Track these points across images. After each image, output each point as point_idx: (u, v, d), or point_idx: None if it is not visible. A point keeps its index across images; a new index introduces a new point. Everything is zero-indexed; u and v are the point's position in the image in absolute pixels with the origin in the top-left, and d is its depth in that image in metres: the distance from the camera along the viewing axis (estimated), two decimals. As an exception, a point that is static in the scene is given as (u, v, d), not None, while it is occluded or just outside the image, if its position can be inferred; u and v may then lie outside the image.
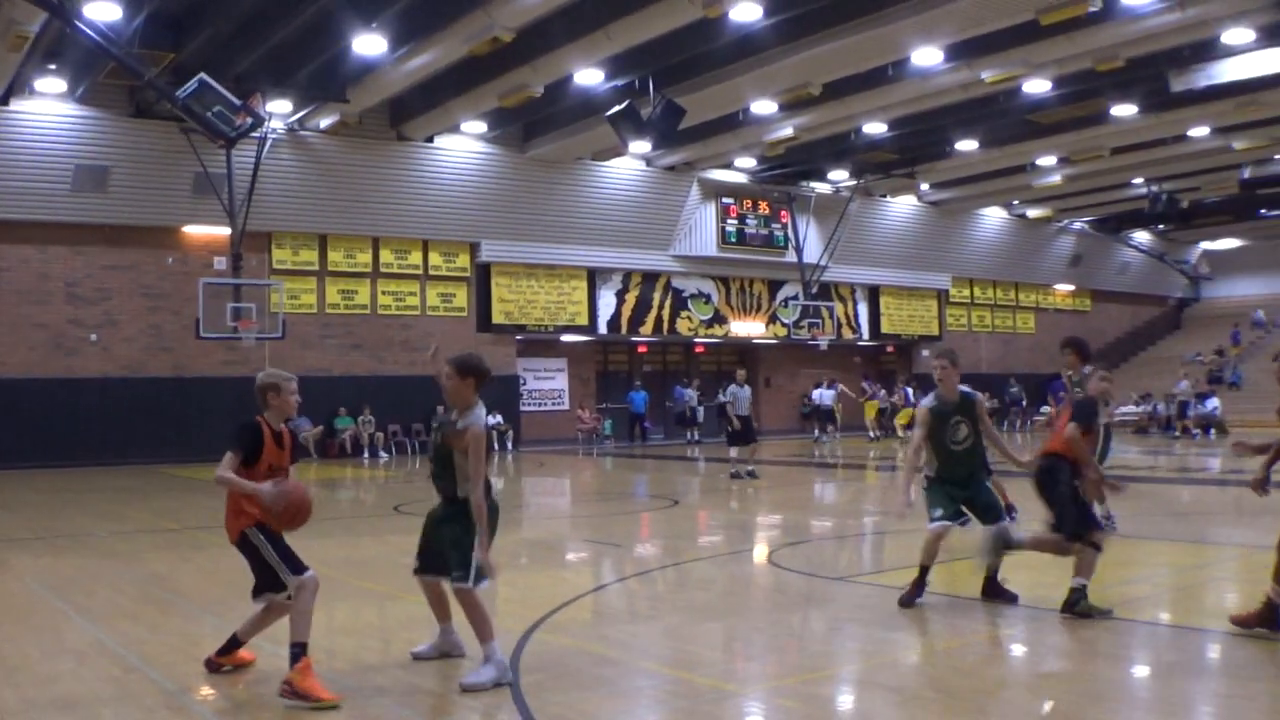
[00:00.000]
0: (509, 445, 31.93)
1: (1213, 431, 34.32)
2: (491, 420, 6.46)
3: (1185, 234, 50.10)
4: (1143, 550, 11.07)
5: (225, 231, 26.85)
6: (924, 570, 8.02)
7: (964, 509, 8.07)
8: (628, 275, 35.61)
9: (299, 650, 5.80)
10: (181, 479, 22.61)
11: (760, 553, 11.56)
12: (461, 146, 30.84)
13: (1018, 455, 8.71)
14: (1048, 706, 5.78)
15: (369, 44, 21.98)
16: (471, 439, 6.14)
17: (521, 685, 6.01)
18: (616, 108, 24.10)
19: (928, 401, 8.29)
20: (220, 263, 28.09)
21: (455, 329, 32.08)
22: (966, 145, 32.56)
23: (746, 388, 20.71)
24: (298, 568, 6.03)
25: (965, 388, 8.27)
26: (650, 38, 21.92)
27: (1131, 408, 38.67)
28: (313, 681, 5.71)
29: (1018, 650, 7.09)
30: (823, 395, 36.73)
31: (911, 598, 7.98)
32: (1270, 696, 5.82)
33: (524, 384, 34.59)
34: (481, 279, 32.87)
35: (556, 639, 7.22)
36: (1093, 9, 20.36)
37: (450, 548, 6.17)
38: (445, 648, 6.63)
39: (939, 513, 8.00)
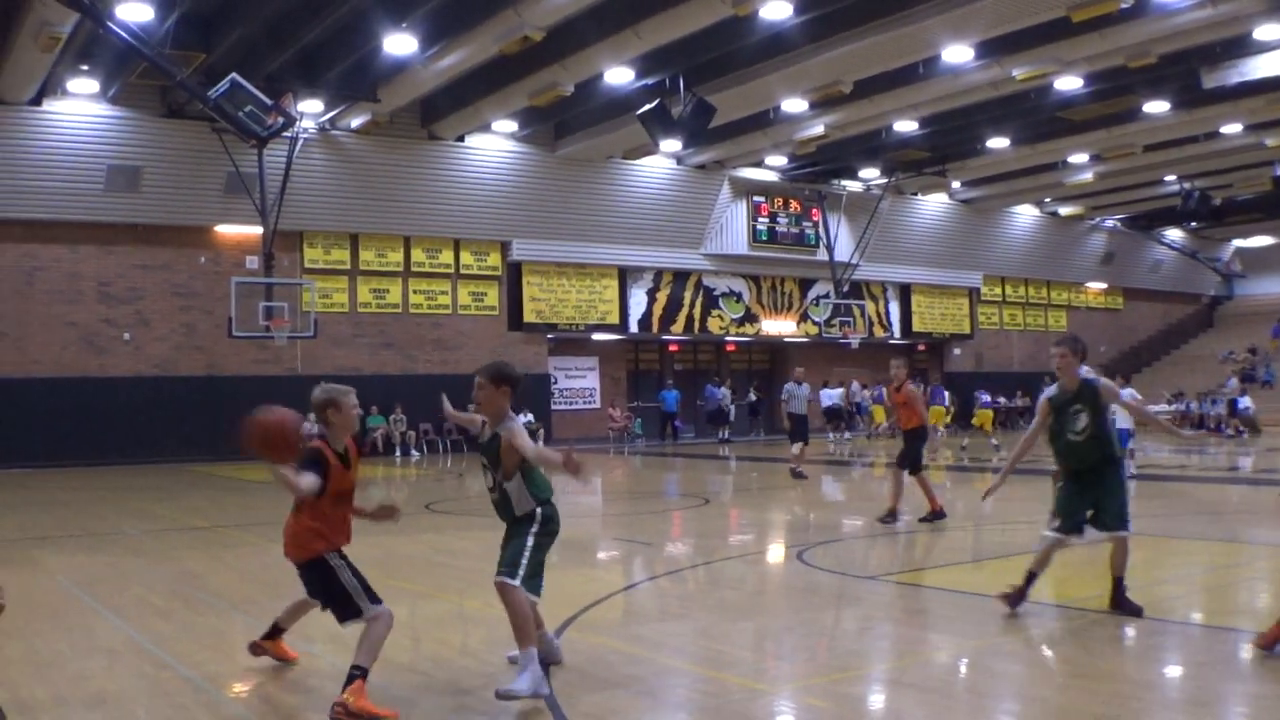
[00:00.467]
0: (540, 444, 31.84)
1: (1244, 431, 34.00)
2: (524, 419, 6.39)
3: (1218, 231, 49.65)
4: (1175, 549, 10.98)
5: (257, 231, 26.99)
6: (1031, 577, 7.59)
7: (1089, 514, 7.55)
8: (659, 274, 35.61)
9: (358, 673, 5.60)
10: (213, 478, 22.74)
11: (791, 551, 11.51)
12: (492, 145, 30.91)
13: (1179, 430, 8.94)
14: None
15: (399, 43, 22.10)
16: (508, 436, 6.10)
17: (553, 684, 5.99)
18: (647, 106, 24.13)
19: (1048, 392, 7.85)
20: (252, 262, 28.28)
21: (486, 328, 32.20)
22: (998, 143, 32.37)
23: (805, 385, 20.46)
24: (375, 598, 5.92)
25: (1089, 374, 7.78)
26: (680, 36, 21.91)
27: (1164, 405, 38.38)
28: (366, 701, 5.52)
29: (1048, 650, 7.02)
30: (828, 395, 36.65)
31: (1014, 602, 7.57)
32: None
33: (555, 383, 34.66)
34: (513, 278, 32.95)
35: (587, 637, 7.21)
36: (1124, 5, 20.24)
37: (506, 552, 6.09)
38: (548, 656, 6.40)
39: (1056, 524, 7.61)
